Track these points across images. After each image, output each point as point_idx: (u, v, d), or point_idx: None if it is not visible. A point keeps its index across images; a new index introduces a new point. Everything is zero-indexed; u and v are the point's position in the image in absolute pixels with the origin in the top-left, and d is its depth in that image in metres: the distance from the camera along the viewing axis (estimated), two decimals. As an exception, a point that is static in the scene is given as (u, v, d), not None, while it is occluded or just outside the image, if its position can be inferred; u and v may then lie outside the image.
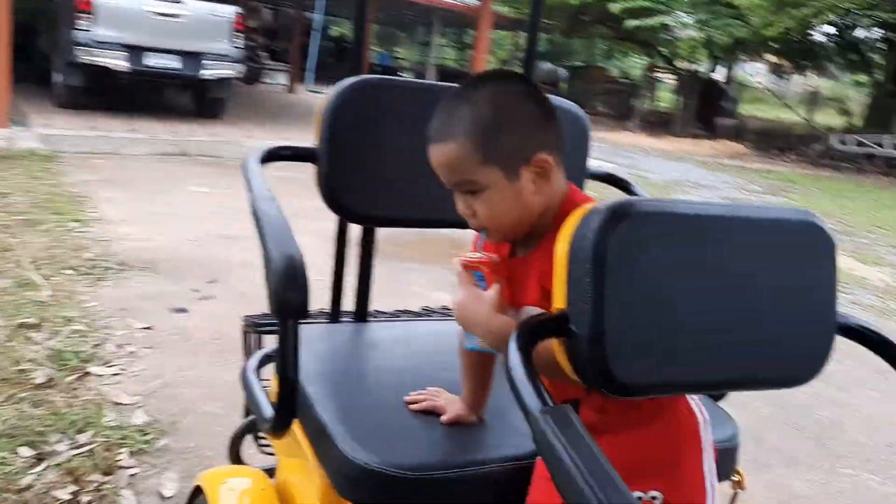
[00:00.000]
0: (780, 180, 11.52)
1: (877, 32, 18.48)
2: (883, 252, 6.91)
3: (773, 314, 0.95)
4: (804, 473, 2.65)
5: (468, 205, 1.12)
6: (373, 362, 1.50)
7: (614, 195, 1.61)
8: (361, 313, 1.71)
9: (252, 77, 15.82)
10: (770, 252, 0.95)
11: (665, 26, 17.55)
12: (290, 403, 1.16)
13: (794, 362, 0.98)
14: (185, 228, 4.87)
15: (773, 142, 16.50)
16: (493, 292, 1.09)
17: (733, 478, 1.34)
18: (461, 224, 1.21)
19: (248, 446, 1.81)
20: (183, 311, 3.53)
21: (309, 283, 1.11)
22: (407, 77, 24.84)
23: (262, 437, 1.76)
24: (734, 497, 1.38)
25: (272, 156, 1.46)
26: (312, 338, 1.44)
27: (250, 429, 1.74)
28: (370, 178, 1.51)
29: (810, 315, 0.98)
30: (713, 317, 0.92)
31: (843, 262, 6.24)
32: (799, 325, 0.97)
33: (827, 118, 20.25)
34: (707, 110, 18.73)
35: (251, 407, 1.31)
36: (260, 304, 3.72)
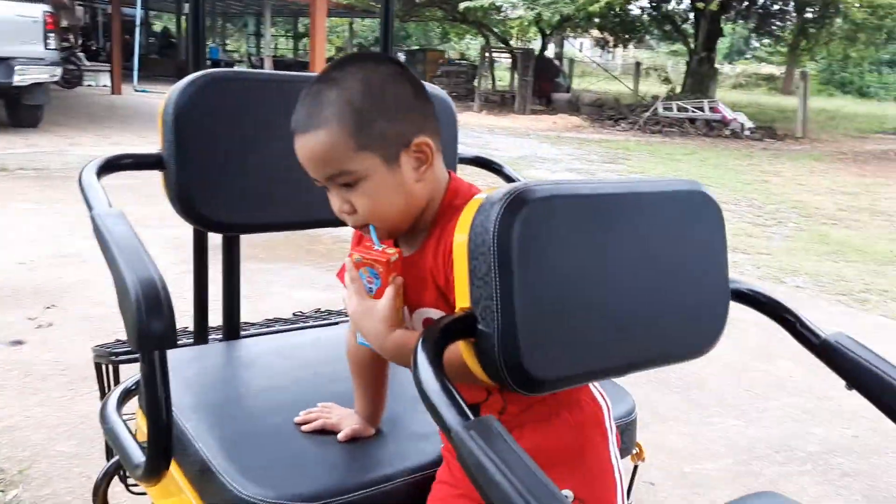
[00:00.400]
0: (616, 148, 12.11)
1: (686, 3, 19.84)
2: (715, 208, 7.40)
3: (673, 287, 0.94)
4: (676, 427, 2.77)
5: (345, 200, 1.02)
6: (252, 383, 1.36)
7: (486, 178, 1.56)
8: (232, 330, 1.57)
9: (71, 80, 14.68)
10: (665, 225, 0.93)
11: (495, 6, 17.94)
12: (164, 444, 1.02)
13: (696, 333, 0.97)
14: (13, 251, 4.41)
15: (606, 113, 17.33)
16: (385, 305, 1.00)
17: (633, 451, 1.34)
18: (332, 223, 1.11)
19: (116, 486, 1.63)
20: (19, 343, 3.18)
21: (173, 306, 0.98)
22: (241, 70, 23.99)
23: (131, 477, 1.58)
24: (634, 469, 1.38)
25: (111, 166, 1.29)
26: (179, 363, 1.30)
27: (116, 470, 1.57)
28: (226, 182, 1.37)
29: (707, 284, 0.97)
30: (618, 297, 0.89)
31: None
32: (698, 296, 0.96)
33: (650, 87, 21.54)
34: (544, 87, 19.39)
35: (117, 453, 1.15)
36: (107, 326, 3.43)
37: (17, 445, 2.40)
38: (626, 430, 1.27)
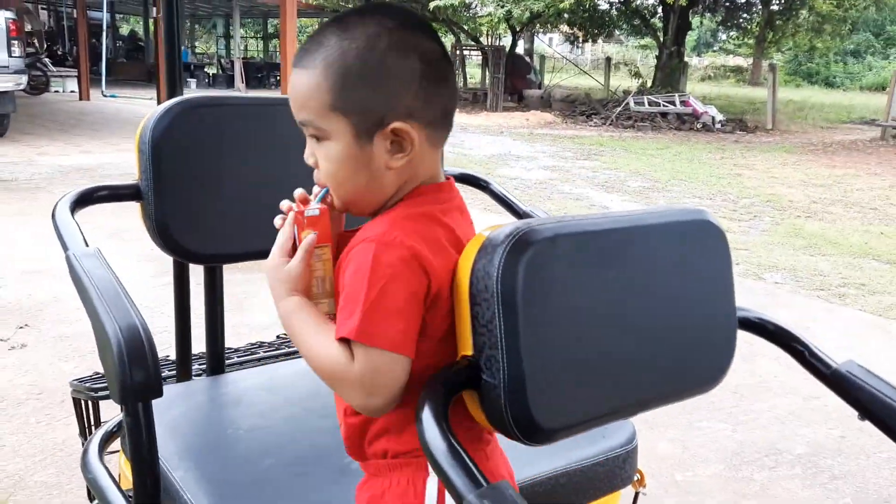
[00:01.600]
0: (589, 144, 12.14)
1: (654, -2, 19.98)
2: (690, 203, 7.44)
3: (682, 321, 0.91)
4: (665, 433, 2.76)
5: (312, 152, 0.95)
6: (240, 423, 1.30)
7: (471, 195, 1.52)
8: (216, 364, 1.51)
9: (38, 87, 14.40)
10: (671, 256, 0.90)
11: (465, 4, 17.90)
12: (151, 496, 0.97)
13: (705, 366, 0.94)
14: (-20, 268, 4.29)
15: (578, 108, 17.36)
16: (292, 265, 0.92)
17: (634, 478, 1.31)
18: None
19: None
20: (-9, 367, 3.08)
21: (157, 353, 0.93)
22: (211, 72, 23.70)
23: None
24: (636, 497, 1.35)
25: (86, 200, 1.23)
26: (163, 403, 1.23)
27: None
28: (206, 212, 1.32)
29: (715, 315, 0.95)
30: (627, 336, 0.86)
31: (660, 218, 6.67)
32: (707, 327, 0.94)
33: (621, 81, 21.61)
34: (515, 83, 19.39)
35: (101, 504, 1.10)
36: (83, 345, 3.34)
37: (-7, 477, 2.32)
38: (628, 458, 1.24)
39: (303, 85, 0.91)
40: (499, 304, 0.76)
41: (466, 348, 0.80)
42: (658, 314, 0.88)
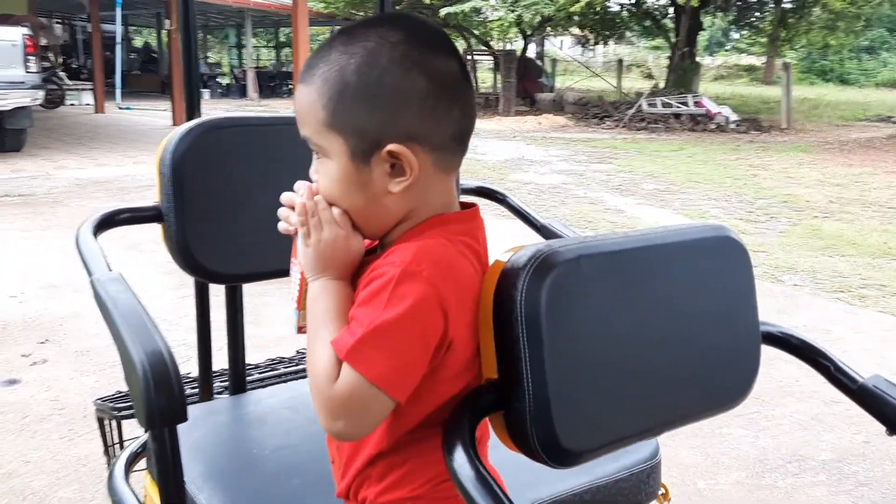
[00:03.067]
0: (603, 147, 12.11)
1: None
2: (705, 206, 7.41)
3: (706, 338, 0.90)
4: (686, 441, 2.74)
5: (315, 168, 0.91)
6: (264, 443, 1.31)
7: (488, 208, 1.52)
8: (238, 383, 1.52)
9: (54, 100, 14.55)
10: (693, 274, 0.90)
11: (476, 10, 17.94)
12: (179, 520, 0.98)
13: (730, 383, 0.94)
14: (2, 282, 4.34)
15: (591, 111, 17.34)
16: (358, 244, 0.89)
17: (658, 492, 1.31)
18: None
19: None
20: (14, 382, 3.11)
21: (182, 380, 0.93)
22: (224, 82, 23.86)
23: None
24: (660, 510, 1.35)
25: (108, 222, 1.24)
26: (187, 425, 1.24)
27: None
28: (227, 232, 1.33)
29: (739, 331, 0.94)
30: (651, 355, 0.85)
31: (676, 220, 6.63)
32: (731, 344, 0.93)
33: (633, 83, 21.59)
34: (527, 87, 19.40)
35: (128, 527, 1.10)
36: (103, 359, 3.37)
37: (18, 493, 2.34)
38: (652, 472, 1.24)
39: (302, 100, 0.88)
40: (523, 327, 0.75)
41: (491, 371, 0.80)
42: (682, 332, 0.88)
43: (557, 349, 0.76)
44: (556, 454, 0.77)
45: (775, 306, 4.15)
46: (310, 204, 0.88)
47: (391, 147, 0.84)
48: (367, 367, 0.78)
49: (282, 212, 0.93)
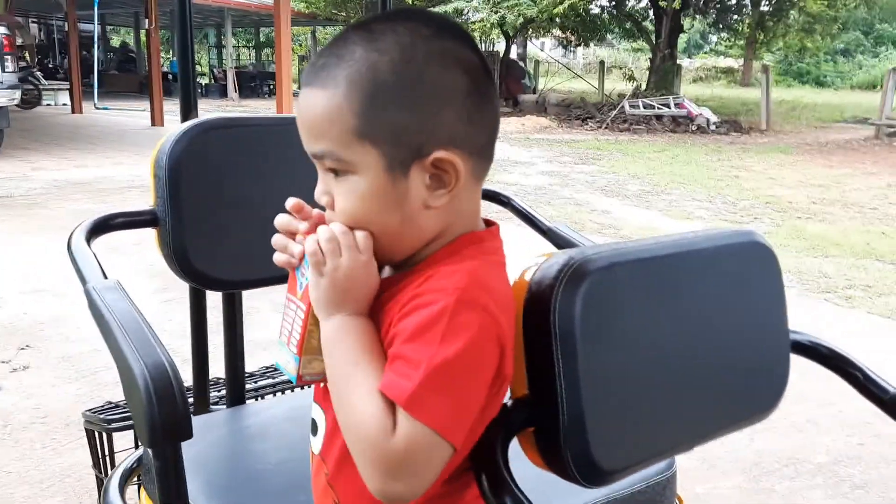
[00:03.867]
0: (586, 148, 12.13)
1: (645, 1, 20.02)
2: (690, 206, 7.42)
3: (737, 348, 0.87)
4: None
5: (327, 190, 0.78)
6: (266, 457, 1.25)
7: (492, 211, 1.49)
8: (236, 395, 1.46)
9: (30, 100, 14.31)
10: (724, 281, 0.87)
11: (459, 11, 17.92)
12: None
13: (761, 393, 0.91)
14: (-21, 288, 4.23)
15: (573, 112, 17.37)
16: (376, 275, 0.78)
17: (674, 503, 1.27)
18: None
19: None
20: (-6, 390, 3.02)
21: (185, 394, 0.88)
22: (203, 82, 23.66)
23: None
24: (675, 522, 1.31)
25: (101, 228, 1.19)
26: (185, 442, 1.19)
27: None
28: (224, 237, 1.28)
29: (769, 339, 0.91)
30: (684, 367, 0.82)
31: (661, 221, 6.64)
32: (761, 353, 0.90)
33: (614, 84, 21.64)
34: (510, 88, 19.41)
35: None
36: (86, 365, 3.28)
37: (-1, 506, 2.27)
38: (668, 484, 1.20)
39: (319, 108, 0.75)
40: (556, 340, 0.71)
41: (522, 387, 0.75)
42: (714, 342, 0.85)
43: (592, 363, 0.73)
44: (590, 473, 0.74)
45: (764, 308, 4.16)
46: (325, 230, 0.76)
47: (439, 154, 0.74)
48: (430, 416, 0.67)
49: (278, 240, 0.81)
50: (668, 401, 0.80)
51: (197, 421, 1.36)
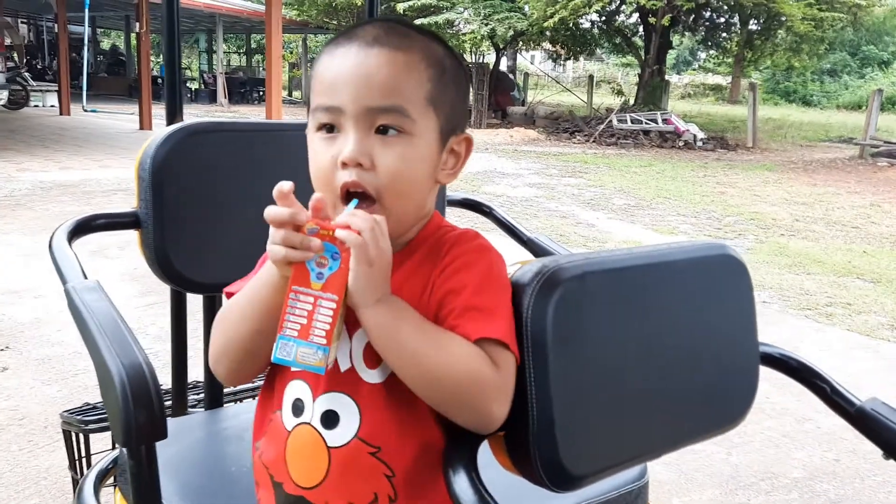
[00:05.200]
0: (573, 161, 12.19)
1: (635, 17, 20.18)
2: (675, 221, 7.48)
3: (707, 358, 0.89)
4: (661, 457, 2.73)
5: (366, 150, 0.80)
6: (245, 460, 1.23)
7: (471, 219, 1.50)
8: (214, 397, 1.47)
9: (18, 102, 14.23)
10: (696, 292, 0.89)
11: (450, 22, 18.01)
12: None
13: (730, 403, 0.92)
14: (-41, 288, 4.20)
15: (562, 125, 17.47)
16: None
17: (646, 513, 1.29)
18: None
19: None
20: (-29, 391, 3.00)
21: (162, 396, 0.89)
22: (193, 87, 23.61)
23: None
24: (647, 531, 1.32)
25: (83, 229, 1.19)
26: (162, 441, 1.20)
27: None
28: (207, 240, 1.28)
29: (739, 350, 0.93)
30: (654, 375, 0.83)
31: (645, 235, 6.69)
32: (731, 364, 0.92)
33: (602, 99, 21.80)
34: (499, 100, 19.50)
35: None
36: (66, 367, 3.27)
37: (-26, 507, 2.25)
38: (640, 493, 1.21)
39: (399, 66, 0.81)
40: (528, 346, 0.73)
41: (492, 391, 0.77)
42: (684, 351, 0.86)
43: (562, 368, 0.74)
44: (559, 478, 0.75)
45: (745, 323, 4.19)
46: (364, 218, 0.77)
47: (465, 134, 0.89)
48: (515, 347, 0.77)
49: (281, 235, 0.79)
50: (637, 408, 0.81)
51: (174, 423, 1.37)
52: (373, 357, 0.84)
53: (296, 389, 0.91)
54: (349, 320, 0.83)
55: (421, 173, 0.84)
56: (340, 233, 0.77)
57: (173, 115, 1.37)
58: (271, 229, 0.80)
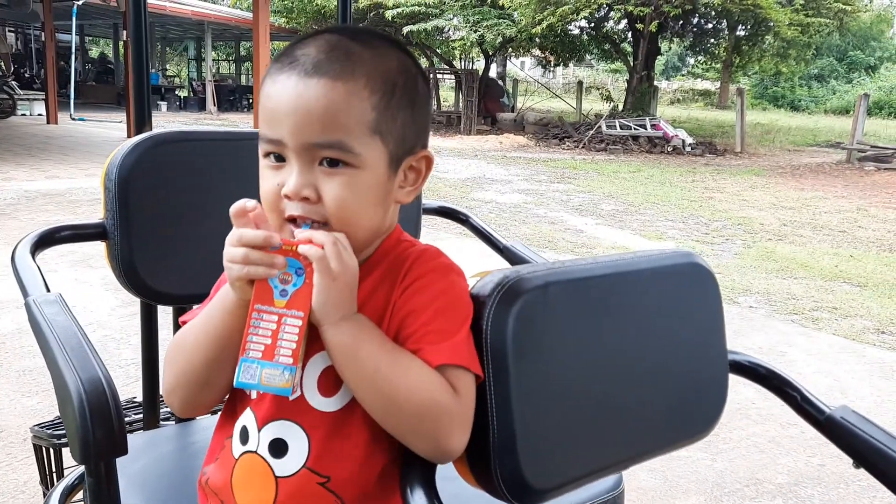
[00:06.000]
0: (563, 167, 12.22)
1: (623, 24, 20.27)
2: (663, 227, 7.50)
3: (674, 367, 0.88)
4: (645, 464, 2.72)
5: (310, 182, 0.78)
6: None
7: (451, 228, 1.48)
8: (186, 409, 1.45)
9: (5, 110, 14.17)
10: (662, 301, 0.88)
11: (439, 29, 18.04)
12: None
13: (698, 413, 0.91)
14: (-60, 299, 4.15)
15: (551, 131, 17.50)
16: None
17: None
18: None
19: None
20: (-52, 404, 2.96)
21: (122, 410, 0.87)
22: (182, 95, 23.56)
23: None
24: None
25: (47, 241, 1.17)
26: (129, 455, 1.17)
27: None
28: (175, 251, 1.26)
29: (707, 359, 0.92)
30: (619, 386, 0.82)
31: (634, 240, 6.69)
32: (699, 373, 0.91)
33: (592, 104, 21.86)
34: (489, 107, 19.53)
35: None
36: (46, 380, 3.24)
37: (-51, 523, 2.22)
38: (615, 502, 1.20)
39: (334, 97, 0.77)
40: (488, 358, 0.72)
41: (452, 405, 0.75)
42: (651, 361, 0.85)
43: (524, 381, 0.73)
44: (521, 493, 0.73)
45: (731, 328, 4.14)
46: (324, 234, 0.77)
47: (424, 152, 0.86)
48: (474, 366, 0.75)
49: (239, 254, 0.77)
50: (602, 420, 0.80)
51: (144, 436, 1.35)
52: (329, 384, 0.82)
53: (244, 417, 0.89)
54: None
55: (369, 202, 0.81)
56: (303, 247, 0.76)
57: (142, 124, 1.35)
58: (228, 248, 0.78)
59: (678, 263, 0.90)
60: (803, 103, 34.69)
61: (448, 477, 0.84)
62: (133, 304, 3.97)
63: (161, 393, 1.44)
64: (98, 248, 1.51)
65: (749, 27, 20.55)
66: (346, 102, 0.78)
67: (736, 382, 0.95)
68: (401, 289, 0.82)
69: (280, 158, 0.81)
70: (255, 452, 0.86)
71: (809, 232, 7.46)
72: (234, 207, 0.79)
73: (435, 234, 5.53)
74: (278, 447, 0.85)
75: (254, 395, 0.88)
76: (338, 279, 0.76)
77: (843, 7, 18.00)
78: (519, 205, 8.33)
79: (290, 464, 0.84)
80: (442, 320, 0.77)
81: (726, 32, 22.34)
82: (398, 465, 0.80)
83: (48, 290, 1.03)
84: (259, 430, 0.86)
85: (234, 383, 0.77)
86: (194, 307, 0.94)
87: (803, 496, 2.54)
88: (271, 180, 0.81)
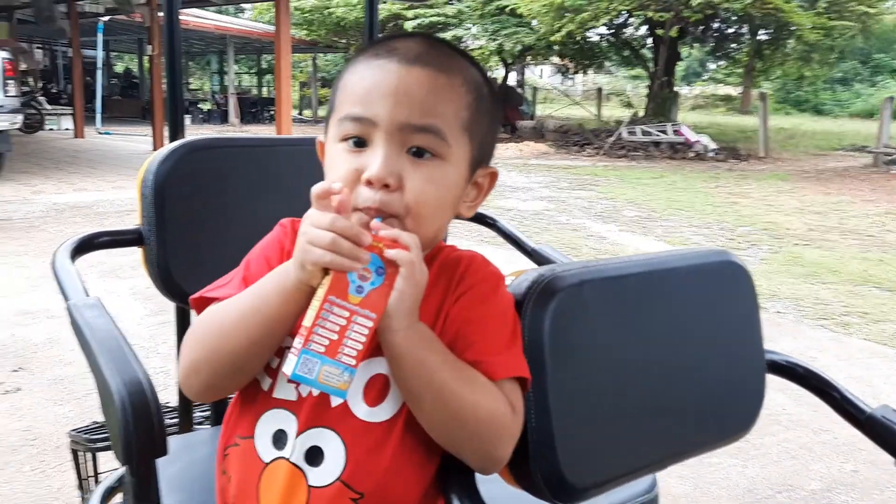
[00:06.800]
0: (584, 174, 12.18)
1: (643, 30, 20.23)
2: (687, 233, 7.44)
3: (710, 367, 0.87)
4: (676, 469, 2.70)
5: (395, 170, 0.75)
6: None
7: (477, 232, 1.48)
8: (219, 414, 1.46)
9: (33, 125, 14.42)
10: (697, 300, 0.87)
11: (458, 39, 18.11)
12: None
13: (735, 413, 0.91)
14: (-26, 310, 4.23)
15: (571, 138, 17.46)
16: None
17: (656, 526, 1.27)
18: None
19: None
20: (-16, 412, 3.01)
21: (162, 412, 0.89)
22: (205, 108, 23.84)
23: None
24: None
25: (86, 246, 1.19)
26: (166, 458, 1.19)
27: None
28: (212, 256, 1.28)
29: (743, 359, 0.91)
30: (655, 385, 0.82)
31: (658, 247, 6.65)
32: (735, 373, 0.90)
33: (612, 111, 21.83)
34: (508, 115, 19.53)
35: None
36: (79, 388, 3.27)
37: (-14, 529, 2.25)
38: (649, 507, 1.20)
39: (440, 87, 0.78)
40: (529, 355, 0.72)
41: (491, 403, 0.76)
42: (687, 361, 0.85)
43: (561, 379, 0.73)
44: (561, 490, 0.74)
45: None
46: (413, 239, 0.73)
47: (492, 168, 0.87)
48: (528, 375, 0.75)
49: (335, 241, 0.70)
50: (639, 418, 0.80)
51: (179, 440, 1.36)
52: (375, 393, 0.79)
53: (278, 419, 0.83)
54: None
55: (448, 200, 0.81)
56: (391, 252, 0.72)
57: (175, 132, 1.38)
58: (313, 230, 0.71)
59: (713, 262, 0.90)
60: (827, 107, 34.32)
61: (482, 478, 0.85)
62: (161, 313, 4.01)
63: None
64: (126, 259, 1.54)
65: (771, 31, 20.40)
66: (446, 93, 0.79)
67: (766, 387, 0.94)
68: (455, 296, 0.80)
69: (360, 144, 0.78)
70: (288, 459, 0.81)
71: (837, 236, 7.37)
72: (319, 188, 0.72)
73: (452, 240, 5.53)
74: (314, 455, 0.80)
75: (284, 394, 0.82)
76: (418, 286, 0.73)
77: (867, 10, 17.80)
78: (541, 212, 8.32)
79: (324, 475, 0.80)
80: (501, 332, 0.76)
81: (748, 37, 22.19)
82: (424, 485, 0.77)
83: (88, 295, 1.05)
84: (297, 437, 0.81)
85: (291, 375, 0.70)
86: (211, 287, 0.90)
87: (837, 502, 2.50)
88: (348, 164, 0.78)
